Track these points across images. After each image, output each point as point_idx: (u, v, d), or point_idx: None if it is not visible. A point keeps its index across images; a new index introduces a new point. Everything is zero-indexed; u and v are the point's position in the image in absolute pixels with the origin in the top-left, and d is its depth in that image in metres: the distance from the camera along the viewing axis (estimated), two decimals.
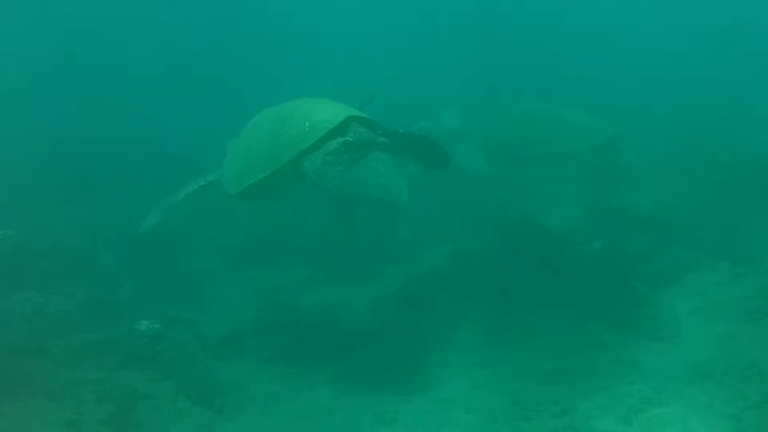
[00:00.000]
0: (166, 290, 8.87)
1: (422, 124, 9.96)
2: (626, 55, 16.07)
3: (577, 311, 7.50)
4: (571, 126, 9.88)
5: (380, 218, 8.66)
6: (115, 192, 10.32)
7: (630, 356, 6.69)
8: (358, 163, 5.59)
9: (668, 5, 19.03)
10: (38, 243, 8.89)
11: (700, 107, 13.34)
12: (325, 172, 5.11)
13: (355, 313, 7.65)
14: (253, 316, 7.56)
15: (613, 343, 6.96)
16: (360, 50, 18.66)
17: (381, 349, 7.03)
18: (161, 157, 11.13)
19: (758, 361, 6.07)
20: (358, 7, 21.09)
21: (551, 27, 18.27)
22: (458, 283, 7.74)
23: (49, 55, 15.62)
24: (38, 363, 6.24)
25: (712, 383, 6.03)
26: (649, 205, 8.94)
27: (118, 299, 8.50)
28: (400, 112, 11.28)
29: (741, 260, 7.99)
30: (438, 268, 7.99)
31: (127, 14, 16.94)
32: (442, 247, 8.46)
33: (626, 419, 5.71)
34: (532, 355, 6.86)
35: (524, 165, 10.22)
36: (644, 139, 10.74)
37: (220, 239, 9.94)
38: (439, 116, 10.30)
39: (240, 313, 7.92)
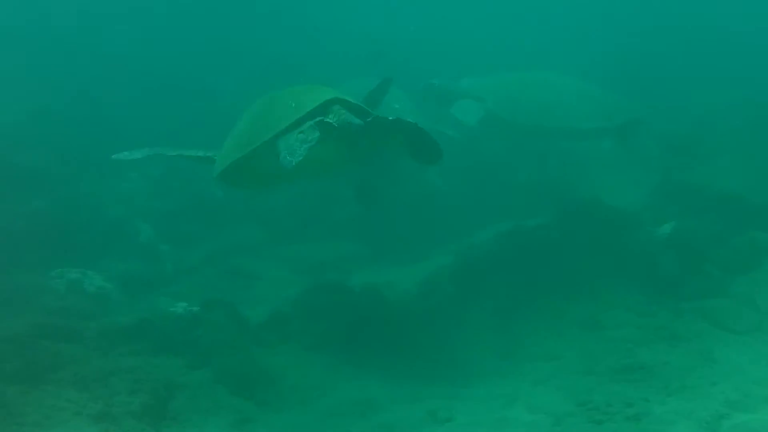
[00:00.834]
0: (205, 265, 8.55)
1: (432, 80, 9.40)
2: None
3: (646, 299, 7.04)
4: (595, 101, 9.23)
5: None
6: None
7: (708, 351, 6.13)
8: (327, 143, 5.15)
9: None
10: (74, 215, 8.61)
11: None
12: (294, 148, 4.83)
13: (406, 296, 7.17)
14: (297, 297, 7.12)
15: (687, 335, 6.43)
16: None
17: (434, 337, 6.55)
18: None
19: None
20: None
21: None
22: (517, 264, 7.20)
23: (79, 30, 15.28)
24: (69, 348, 5.89)
25: None
26: (724, 182, 8.27)
27: (155, 274, 8.20)
28: (414, 68, 10.72)
29: None
30: (495, 247, 7.45)
31: None
32: (498, 224, 7.92)
33: (709, 426, 5.07)
34: (598, 348, 6.31)
35: (551, 138, 9.59)
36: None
37: (263, 210, 9.47)
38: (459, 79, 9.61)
39: (282, 293, 7.49)
